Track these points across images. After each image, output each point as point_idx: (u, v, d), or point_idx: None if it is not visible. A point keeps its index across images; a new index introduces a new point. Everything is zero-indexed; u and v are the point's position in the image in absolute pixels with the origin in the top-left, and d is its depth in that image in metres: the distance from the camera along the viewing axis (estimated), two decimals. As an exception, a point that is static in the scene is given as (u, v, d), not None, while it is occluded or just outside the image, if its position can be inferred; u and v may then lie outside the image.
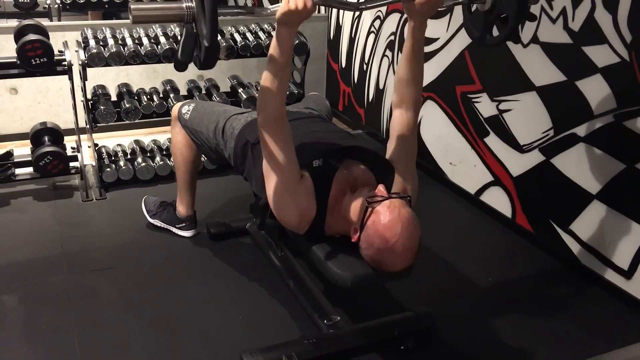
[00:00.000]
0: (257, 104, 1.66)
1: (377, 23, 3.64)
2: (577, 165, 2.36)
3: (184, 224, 2.58)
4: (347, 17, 4.01)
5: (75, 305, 2.13)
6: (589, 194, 2.32)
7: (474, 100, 2.87)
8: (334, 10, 4.18)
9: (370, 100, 3.84)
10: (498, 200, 2.81)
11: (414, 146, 1.83)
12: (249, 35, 3.20)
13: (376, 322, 1.99)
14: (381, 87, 3.68)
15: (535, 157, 2.56)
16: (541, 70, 2.46)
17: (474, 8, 1.89)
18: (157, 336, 1.99)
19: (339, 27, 4.13)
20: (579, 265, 2.41)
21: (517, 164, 2.67)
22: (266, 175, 1.71)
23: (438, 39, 3.07)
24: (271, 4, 2.76)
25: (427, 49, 3.15)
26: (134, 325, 2.04)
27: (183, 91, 3.32)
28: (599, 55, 2.19)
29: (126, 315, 2.09)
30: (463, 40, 2.89)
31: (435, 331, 2.02)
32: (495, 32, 1.89)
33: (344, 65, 4.14)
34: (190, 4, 1.44)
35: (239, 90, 3.30)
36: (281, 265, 2.31)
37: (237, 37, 3.16)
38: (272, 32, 3.27)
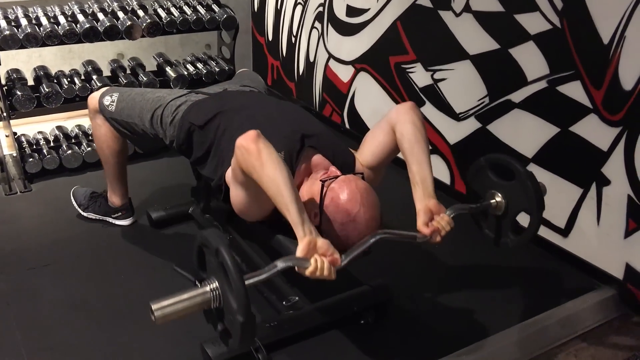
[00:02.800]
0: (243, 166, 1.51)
1: (303, -6, 3.58)
2: (512, 130, 2.44)
3: (120, 213, 2.46)
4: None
5: (15, 308, 1.99)
6: (525, 157, 2.41)
7: (408, 70, 2.89)
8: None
9: (300, 74, 3.79)
10: (436, 167, 2.85)
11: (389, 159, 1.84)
12: (174, 10, 3.06)
13: (334, 299, 1.99)
14: (312, 59, 3.64)
15: (471, 125, 2.62)
16: (475, 39, 2.50)
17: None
18: (109, 332, 1.90)
19: (262, 1, 4.03)
20: (518, 226, 2.50)
21: (454, 132, 2.73)
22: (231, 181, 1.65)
23: (369, 9, 3.06)
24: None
25: (358, 19, 3.14)
26: (82, 323, 1.94)
27: (106, 72, 3.14)
28: (531, 22, 2.25)
29: (72, 314, 1.98)
30: (395, 10, 2.89)
31: (392, 303, 2.05)
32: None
33: (270, 38, 4.05)
34: (214, 285, 1.33)
35: (167, 69, 3.16)
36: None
37: (162, 13, 3.01)
38: (197, 7, 3.14)
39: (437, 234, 1.60)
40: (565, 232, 2.33)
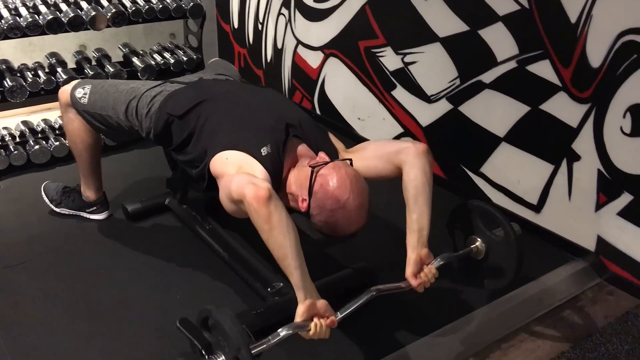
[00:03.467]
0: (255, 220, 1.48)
1: (269, -20, 3.55)
2: (484, 110, 2.49)
3: (94, 208, 2.42)
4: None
5: (-7, 308, 1.95)
6: (497, 137, 2.46)
7: (378, 54, 2.91)
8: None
9: (269, 61, 3.77)
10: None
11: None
12: (139, -1, 3.00)
13: (319, 283, 1.98)
14: (279, 46, 3.62)
15: (443, 106, 2.66)
16: (444, 21, 2.53)
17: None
18: (92, 328, 1.88)
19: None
20: (492, 205, 2.56)
21: (426, 114, 2.76)
22: (221, 174, 1.64)
23: (336, -6, 3.06)
24: None
25: (326, 5, 3.14)
26: (65, 321, 1.91)
27: (71, 64, 3.07)
28: (500, 3, 2.29)
29: (54, 312, 1.95)
30: (363, -6, 2.90)
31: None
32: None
33: (236, 25, 4.01)
34: None
35: (134, 59, 3.11)
36: (211, 238, 2.25)
37: (126, 2, 2.95)
38: (162, -5, 3.08)
39: (422, 287, 1.66)
40: (537, 208, 2.40)
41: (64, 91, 2.15)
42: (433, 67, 2.65)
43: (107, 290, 2.05)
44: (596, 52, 2.04)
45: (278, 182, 1.68)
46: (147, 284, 2.09)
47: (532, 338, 1.93)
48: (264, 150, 1.66)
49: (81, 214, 2.43)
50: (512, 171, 2.45)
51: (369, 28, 2.92)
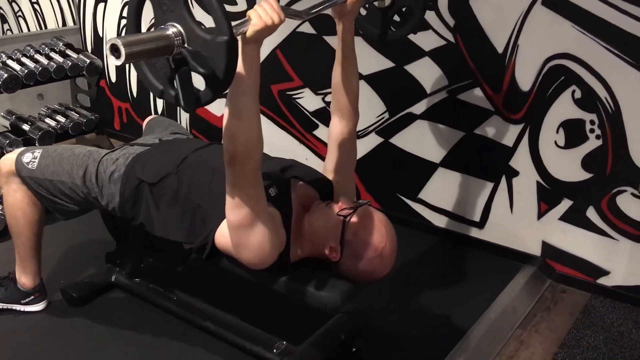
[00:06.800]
0: (231, 147, 1.38)
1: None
2: (417, 140, 2.62)
3: (32, 297, 2.11)
4: (110, 28, 3.63)
5: None
6: (433, 163, 2.60)
7: (295, 96, 2.93)
8: (89, 20, 3.73)
9: (160, 113, 3.58)
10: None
11: (354, 154, 1.81)
12: (26, 60, 2.70)
13: (319, 332, 1.94)
14: (173, 97, 3.46)
15: (372, 140, 2.75)
16: (367, 59, 2.63)
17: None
18: None
19: (98, 40, 3.72)
20: (435, 228, 2.69)
21: (354, 149, 2.82)
22: (235, 218, 1.49)
23: (241, 40, 3.02)
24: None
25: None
26: None
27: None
28: (425, 40, 2.44)
29: None
30: (272, 39, 2.90)
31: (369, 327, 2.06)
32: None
33: (113, 80, 3.76)
34: (176, 29, 1.18)
35: (24, 127, 2.77)
36: (183, 309, 2.07)
37: (13, 64, 2.64)
38: (50, 54, 2.81)
39: None
40: (480, 224, 2.57)
41: (8, 159, 1.91)
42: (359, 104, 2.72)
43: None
44: (525, 77, 2.26)
45: (287, 225, 1.60)
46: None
47: (524, 346, 2.05)
48: (272, 191, 1.59)
49: (15, 307, 2.10)
50: (452, 193, 2.60)
51: (282, 71, 2.92)
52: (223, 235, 1.58)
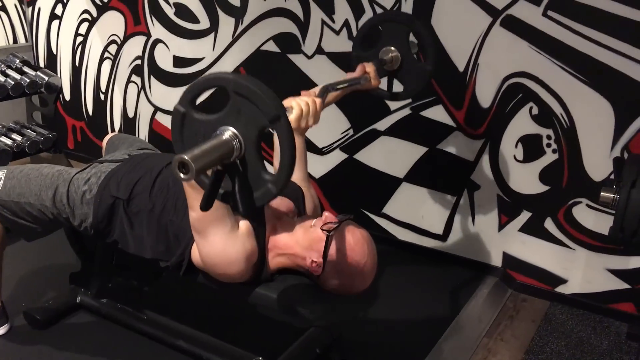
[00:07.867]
0: None
1: (112, 48, 3.36)
2: (382, 156, 2.68)
3: (-7, 323, 2.03)
4: (65, 45, 3.55)
5: None
6: (397, 178, 2.66)
7: (258, 113, 2.93)
8: (42, 37, 3.65)
9: (117, 130, 3.52)
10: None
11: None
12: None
13: (295, 347, 1.94)
14: (131, 115, 3.42)
15: (337, 157, 2.79)
16: (330, 77, 2.65)
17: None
18: None
19: (52, 57, 3.64)
20: (398, 241, 2.75)
21: (319, 165, 2.86)
22: (200, 233, 1.51)
23: (203, 58, 3.03)
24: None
25: (189, 70, 3.08)
26: None
27: None
28: (388, 58, 2.51)
29: None
30: (236, 56, 2.92)
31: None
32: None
33: (67, 98, 3.68)
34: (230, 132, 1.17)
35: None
36: (155, 329, 2.04)
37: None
38: (7, 71, 2.73)
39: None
40: (443, 237, 2.64)
41: None
42: (323, 121, 2.76)
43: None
44: (486, 94, 2.36)
45: (262, 237, 1.60)
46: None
47: (492, 354, 2.12)
48: None
49: (-25, 335, 2.01)
50: (416, 207, 2.67)
51: (245, 89, 2.93)
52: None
